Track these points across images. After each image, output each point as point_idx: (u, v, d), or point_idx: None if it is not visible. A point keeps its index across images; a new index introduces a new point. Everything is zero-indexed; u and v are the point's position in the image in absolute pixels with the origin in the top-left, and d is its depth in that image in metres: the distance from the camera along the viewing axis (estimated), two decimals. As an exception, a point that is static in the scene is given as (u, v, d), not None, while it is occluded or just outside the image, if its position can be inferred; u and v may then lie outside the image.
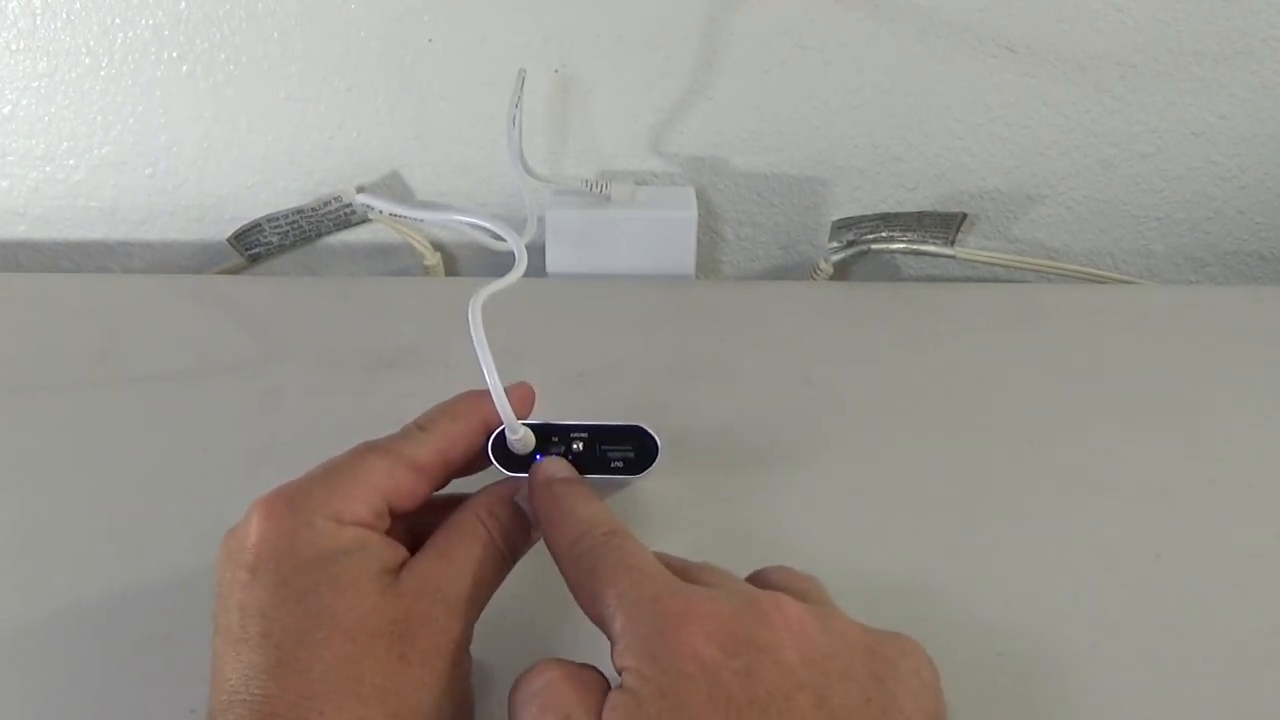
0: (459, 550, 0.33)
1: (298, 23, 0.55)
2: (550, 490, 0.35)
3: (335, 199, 0.59)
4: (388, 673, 0.30)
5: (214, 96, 0.57)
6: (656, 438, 0.38)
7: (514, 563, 0.35)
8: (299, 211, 0.60)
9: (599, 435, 0.37)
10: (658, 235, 0.59)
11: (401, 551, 0.33)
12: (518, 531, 0.35)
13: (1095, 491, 0.46)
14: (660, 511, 0.44)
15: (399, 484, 0.33)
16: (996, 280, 0.64)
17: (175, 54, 0.55)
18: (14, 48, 0.55)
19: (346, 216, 0.60)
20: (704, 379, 0.51)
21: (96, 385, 0.51)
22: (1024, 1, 0.54)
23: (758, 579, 0.34)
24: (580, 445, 0.37)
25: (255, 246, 0.61)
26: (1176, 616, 0.41)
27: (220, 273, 0.62)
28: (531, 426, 0.37)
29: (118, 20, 0.54)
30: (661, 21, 0.55)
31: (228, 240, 0.61)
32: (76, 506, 0.45)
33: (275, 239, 0.61)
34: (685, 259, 0.59)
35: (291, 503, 0.32)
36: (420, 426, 0.35)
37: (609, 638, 0.30)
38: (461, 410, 0.36)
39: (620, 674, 0.29)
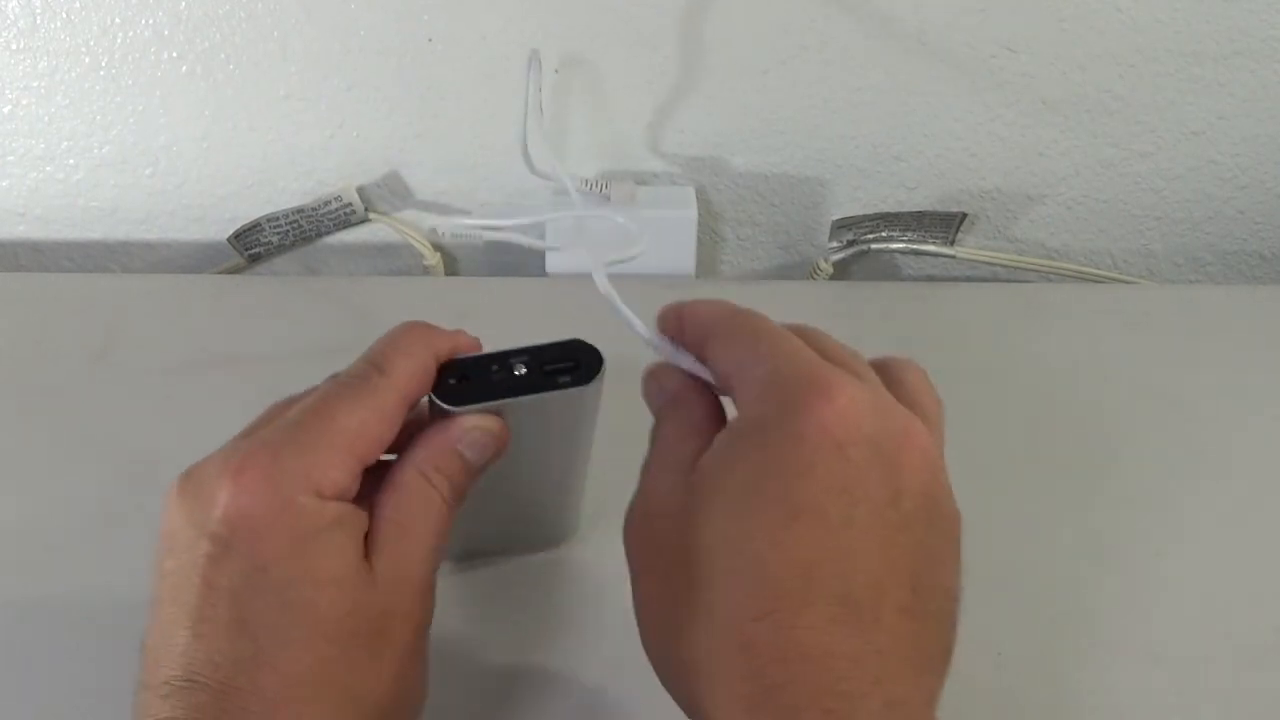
0: (418, 523, 0.32)
1: (298, 23, 0.55)
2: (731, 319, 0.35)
3: (335, 199, 0.59)
4: (362, 673, 0.29)
5: (214, 96, 0.57)
6: (598, 348, 0.37)
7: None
8: (299, 211, 0.60)
9: (540, 355, 0.37)
10: (658, 235, 0.59)
11: (365, 517, 0.31)
12: (466, 481, 0.34)
13: (1095, 491, 0.46)
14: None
15: (370, 438, 0.32)
16: (996, 280, 0.64)
17: (175, 54, 0.55)
18: (14, 47, 0.55)
19: (346, 216, 0.60)
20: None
21: (96, 385, 0.51)
22: (1024, 1, 0.54)
23: (893, 375, 0.34)
24: (523, 369, 0.36)
25: (255, 246, 0.61)
26: (1176, 616, 0.41)
27: (220, 273, 0.62)
28: (469, 358, 0.36)
29: (118, 20, 0.54)
30: (661, 21, 0.55)
31: (228, 240, 0.61)
32: (75, 505, 0.45)
33: (275, 239, 0.61)
34: (685, 259, 0.59)
35: (268, 475, 0.29)
36: (379, 369, 0.33)
37: (739, 385, 0.31)
38: (414, 346, 0.34)
39: (740, 414, 0.30)
